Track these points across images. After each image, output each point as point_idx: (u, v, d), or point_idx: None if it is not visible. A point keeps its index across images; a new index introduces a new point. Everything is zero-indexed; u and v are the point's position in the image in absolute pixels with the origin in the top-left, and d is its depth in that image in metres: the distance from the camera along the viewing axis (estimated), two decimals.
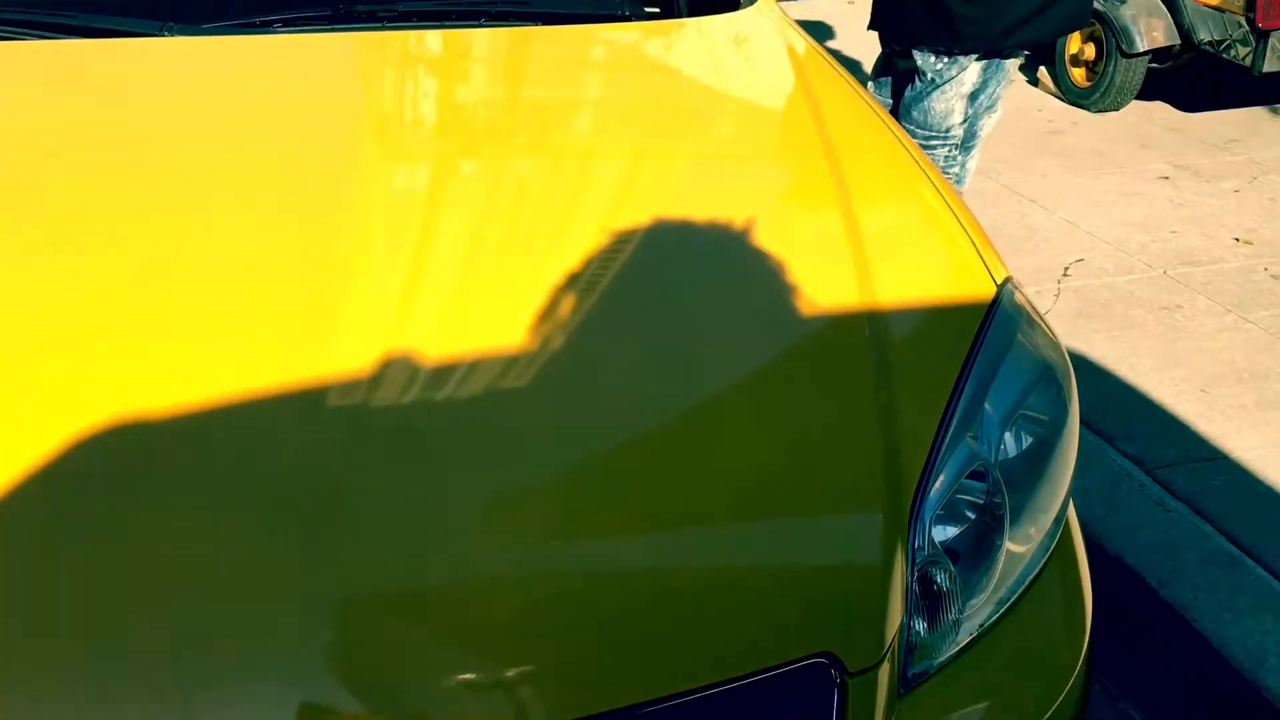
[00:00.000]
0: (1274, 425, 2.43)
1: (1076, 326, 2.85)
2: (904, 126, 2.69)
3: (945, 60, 2.66)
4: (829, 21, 5.41)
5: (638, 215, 1.47)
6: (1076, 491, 2.23)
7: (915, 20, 2.64)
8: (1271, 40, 3.83)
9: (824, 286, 1.39)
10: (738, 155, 1.69)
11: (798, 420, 1.25)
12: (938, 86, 2.70)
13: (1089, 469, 2.31)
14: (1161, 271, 3.11)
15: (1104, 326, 2.84)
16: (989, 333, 1.38)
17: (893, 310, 1.37)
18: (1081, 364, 2.70)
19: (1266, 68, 3.89)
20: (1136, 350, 2.73)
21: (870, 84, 2.98)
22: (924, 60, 2.69)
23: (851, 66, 4.41)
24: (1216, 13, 3.99)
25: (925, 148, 2.65)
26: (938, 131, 2.75)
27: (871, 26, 2.80)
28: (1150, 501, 2.21)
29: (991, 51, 2.69)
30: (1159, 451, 2.36)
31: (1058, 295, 3.00)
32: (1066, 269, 3.14)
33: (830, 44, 5.04)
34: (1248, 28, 3.84)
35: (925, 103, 2.72)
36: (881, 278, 1.42)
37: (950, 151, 2.78)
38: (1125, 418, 2.47)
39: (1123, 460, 2.33)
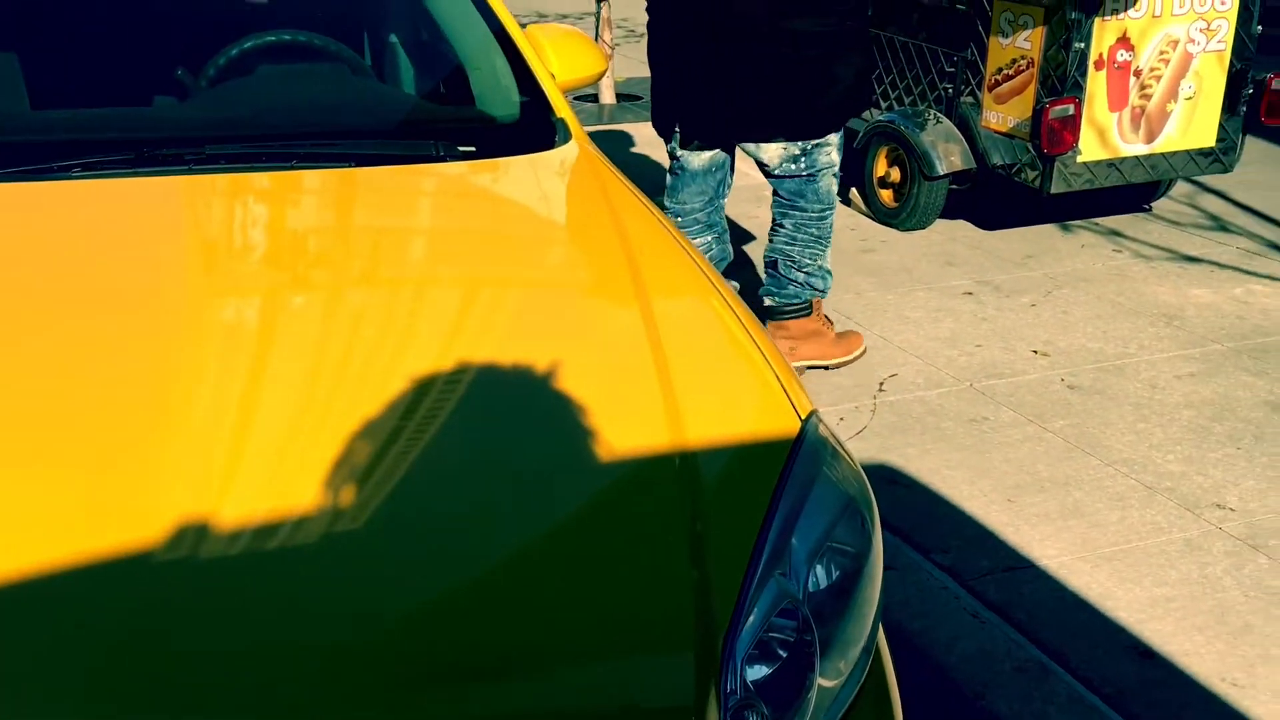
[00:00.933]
0: (1074, 532, 2.56)
1: (892, 441, 2.96)
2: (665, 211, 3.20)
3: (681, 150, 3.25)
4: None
5: (447, 358, 1.47)
6: (898, 604, 2.30)
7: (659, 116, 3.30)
8: (1057, 164, 4.14)
9: (633, 427, 1.42)
10: (548, 294, 1.72)
11: (608, 564, 1.27)
12: (677, 174, 3.28)
13: (908, 581, 2.38)
14: (969, 384, 3.27)
15: (917, 440, 2.96)
16: (794, 468, 1.43)
17: (701, 450, 1.41)
18: (898, 478, 2.80)
19: (1054, 189, 4.20)
20: (948, 462, 2.85)
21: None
22: (670, 150, 3.29)
23: None
24: (1007, 139, 4.30)
25: (681, 228, 3.08)
26: (685, 214, 3.27)
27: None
28: (965, 613, 2.29)
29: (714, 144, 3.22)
30: (972, 562, 2.45)
31: (874, 411, 3.12)
32: (881, 384, 3.28)
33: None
34: (1035, 153, 4.14)
35: (674, 187, 3.30)
36: (690, 417, 1.46)
37: (703, 231, 3.30)
38: (940, 530, 2.57)
39: (939, 573, 2.41)
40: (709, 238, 3.30)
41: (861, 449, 2.91)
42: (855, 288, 4.00)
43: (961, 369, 3.37)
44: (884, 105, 4.84)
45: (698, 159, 3.24)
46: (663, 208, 3.32)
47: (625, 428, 1.42)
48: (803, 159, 3.18)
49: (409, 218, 1.92)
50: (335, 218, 1.90)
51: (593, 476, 1.35)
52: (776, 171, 3.22)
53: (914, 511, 2.65)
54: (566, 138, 2.17)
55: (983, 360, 3.43)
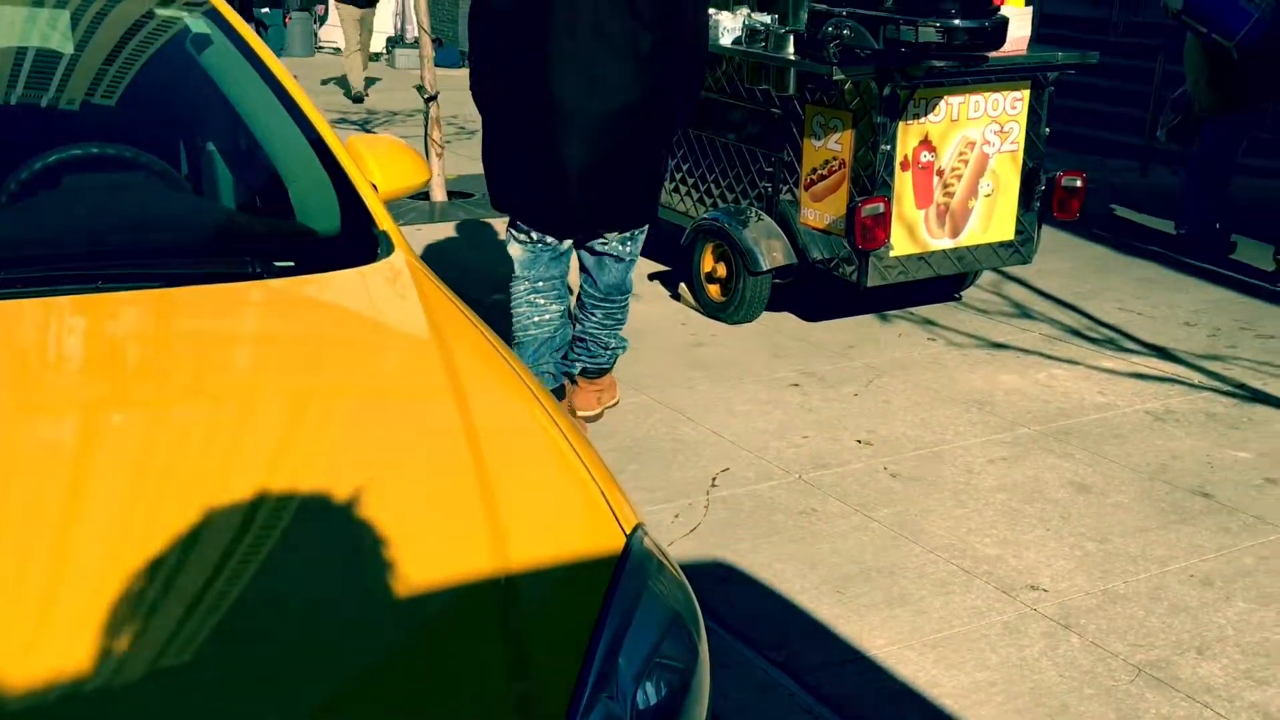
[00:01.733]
0: (901, 621, 2.63)
1: (725, 537, 3.00)
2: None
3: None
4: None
5: (256, 489, 1.43)
6: (734, 708, 2.31)
7: None
8: (872, 259, 4.34)
9: (454, 551, 1.40)
10: (365, 415, 1.69)
11: (430, 696, 1.24)
12: (536, 252, 3.40)
13: (745, 681, 2.40)
14: (798, 476, 3.36)
15: (750, 535, 3.01)
16: (620, 585, 1.43)
17: (524, 571, 1.40)
18: (732, 574, 2.84)
19: (871, 282, 4.39)
20: (780, 556, 2.91)
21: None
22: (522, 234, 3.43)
23: None
24: (825, 235, 4.48)
25: (540, 294, 3.43)
26: (545, 279, 3.43)
27: None
28: (800, 709, 2.32)
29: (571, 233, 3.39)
30: (805, 657, 2.49)
31: (707, 507, 3.16)
32: (714, 479, 3.33)
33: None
34: (851, 248, 4.33)
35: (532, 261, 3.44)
36: (513, 537, 1.45)
37: (560, 298, 3.47)
38: (773, 626, 2.60)
39: (773, 670, 2.44)
40: (563, 306, 3.48)
41: (695, 547, 2.94)
42: (687, 382, 4.07)
43: (790, 461, 3.45)
44: (709, 204, 4.99)
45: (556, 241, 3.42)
46: (505, 296, 3.46)
47: (445, 552, 1.40)
48: (629, 246, 3.41)
49: (219, 341, 1.87)
50: (140, 344, 1.84)
51: (412, 605, 1.33)
52: (609, 257, 3.40)
53: (748, 608, 2.68)
54: (389, 250, 2.16)
55: (810, 451, 3.53)
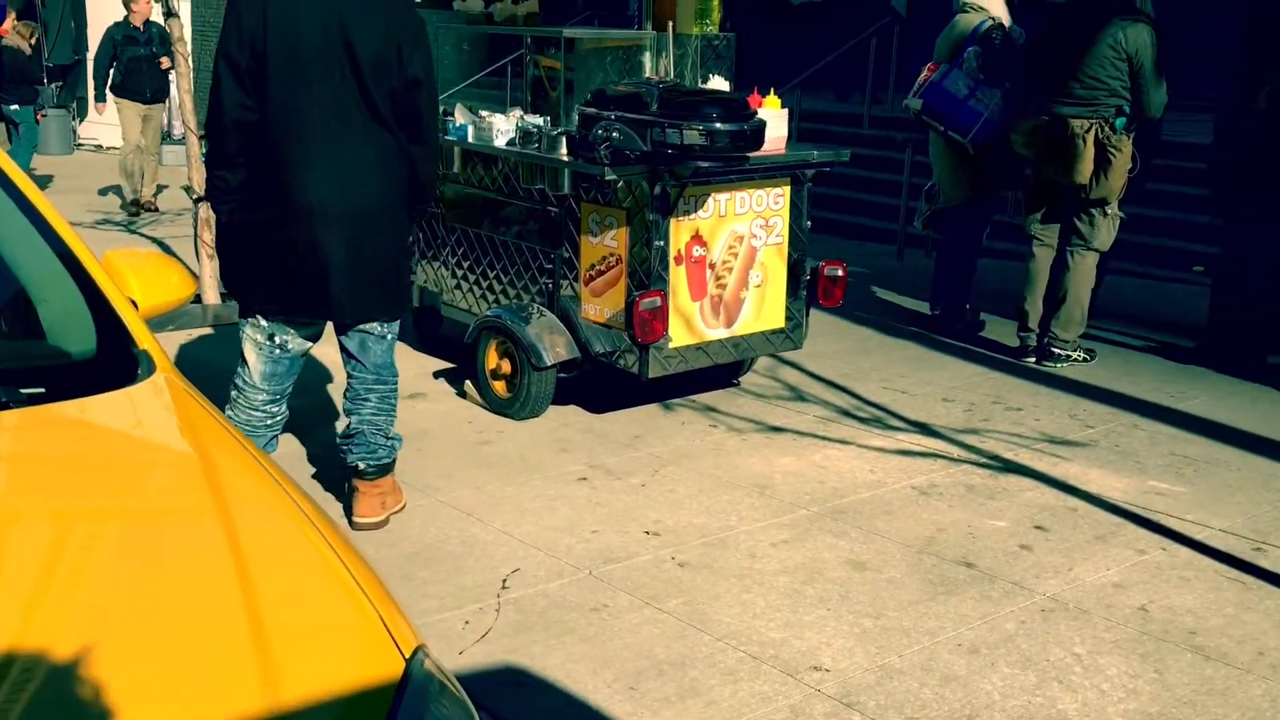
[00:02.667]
0: (693, 713, 2.67)
1: (518, 641, 2.97)
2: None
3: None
4: None
5: (7, 639, 1.34)
6: None
7: None
8: (651, 350, 4.45)
9: (222, 689, 1.35)
10: (126, 548, 1.62)
11: None
12: (277, 360, 3.52)
13: None
14: (588, 572, 3.37)
15: (542, 636, 3.00)
16: (400, 713, 1.41)
17: (298, 710, 1.35)
18: (525, 679, 2.81)
19: (652, 374, 4.50)
20: (572, 656, 2.90)
21: None
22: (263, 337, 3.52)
23: None
24: (606, 329, 4.58)
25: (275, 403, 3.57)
26: (280, 393, 3.57)
27: None
28: None
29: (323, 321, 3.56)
30: None
31: (498, 610, 3.13)
32: (505, 581, 3.30)
33: None
34: (631, 341, 4.43)
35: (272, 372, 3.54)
36: (286, 668, 1.41)
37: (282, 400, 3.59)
38: None
39: None
40: (284, 407, 3.60)
41: (488, 654, 2.91)
42: (474, 481, 4.04)
43: (580, 557, 3.47)
44: (492, 301, 5.02)
45: (297, 343, 3.51)
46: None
47: (211, 691, 1.34)
48: (388, 331, 3.55)
49: None
50: None
51: None
52: (370, 335, 3.51)
53: (542, 713, 2.66)
54: (150, 370, 2.08)
55: (600, 546, 3.55)
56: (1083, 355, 5.65)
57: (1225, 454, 4.45)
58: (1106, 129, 5.32)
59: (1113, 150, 5.33)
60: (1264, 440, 4.61)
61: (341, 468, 3.68)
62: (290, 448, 4.21)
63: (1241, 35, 6.11)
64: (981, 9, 5.79)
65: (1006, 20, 5.81)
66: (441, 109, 5.23)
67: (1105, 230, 5.55)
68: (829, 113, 12.37)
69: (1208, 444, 4.55)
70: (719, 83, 4.78)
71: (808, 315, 4.97)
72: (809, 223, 4.88)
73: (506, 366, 4.73)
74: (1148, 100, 5.31)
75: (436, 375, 5.25)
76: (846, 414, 4.88)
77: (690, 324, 4.58)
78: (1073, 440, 4.58)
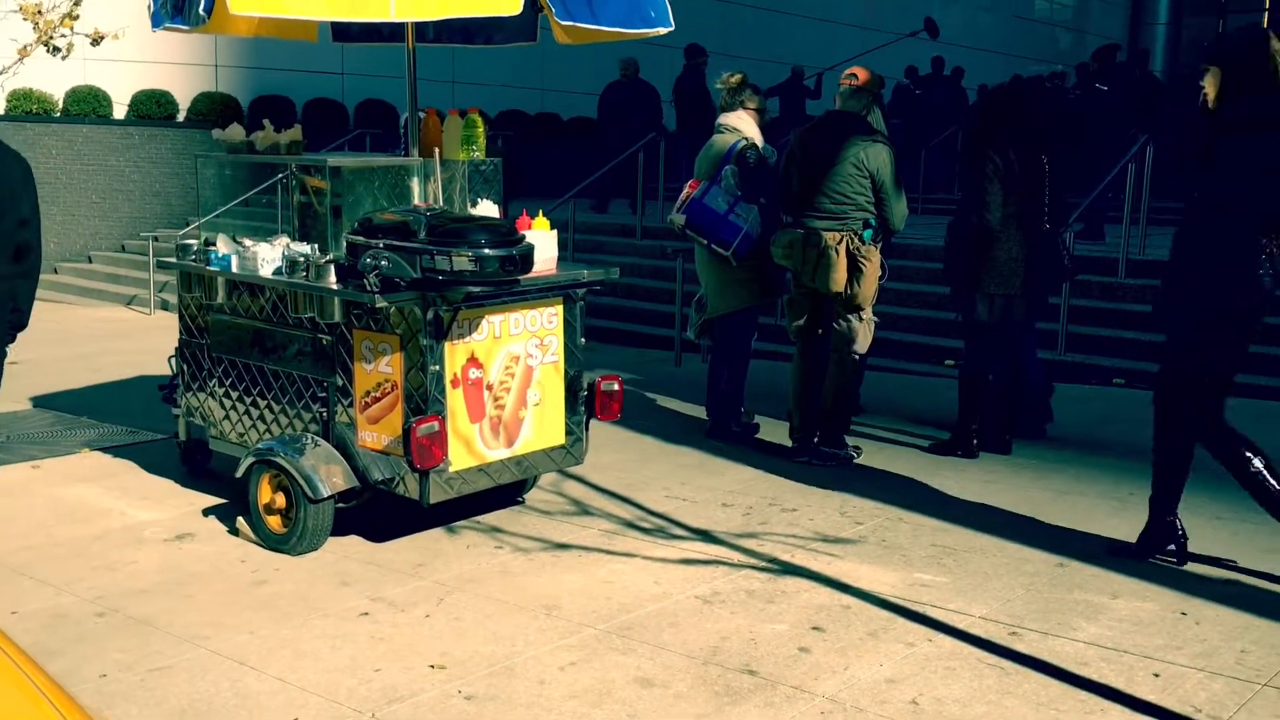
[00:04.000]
0: None
1: None
2: None
3: None
4: None
5: None
6: None
7: None
8: (432, 476, 4.41)
9: None
10: None
11: None
12: None
13: None
14: (370, 716, 3.26)
15: None
16: None
17: None
18: None
19: (433, 499, 4.45)
20: None
21: None
22: None
23: None
24: (384, 456, 4.51)
25: None
26: None
27: None
28: None
29: None
30: None
31: None
32: None
33: None
34: (410, 467, 4.38)
35: None
36: None
37: None
38: None
39: None
40: None
41: None
42: (249, 626, 3.86)
43: (363, 699, 3.35)
44: (263, 432, 4.86)
45: None
46: None
47: None
48: None
49: None
50: None
51: None
52: None
53: None
54: None
55: (383, 685, 3.45)
56: (850, 453, 5.93)
57: (982, 541, 4.74)
58: (856, 240, 5.70)
59: (863, 260, 5.70)
60: (1017, 524, 4.94)
61: None
62: None
63: (961, 146, 6.74)
64: (736, 130, 6.13)
65: (759, 141, 6.17)
66: (203, 237, 5.12)
67: (863, 333, 5.90)
68: (604, 224, 12.74)
69: (966, 532, 4.84)
70: (488, 207, 4.86)
71: (587, 429, 5.04)
72: (584, 339, 4.98)
73: (281, 500, 4.58)
74: (890, 213, 5.72)
75: (206, 513, 5.02)
76: (631, 526, 4.94)
77: (470, 446, 4.56)
78: (844, 538, 4.78)
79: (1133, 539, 4.61)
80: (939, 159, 14.91)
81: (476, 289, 4.21)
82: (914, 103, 17.43)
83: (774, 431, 6.38)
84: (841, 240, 5.70)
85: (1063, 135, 12.55)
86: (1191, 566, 4.45)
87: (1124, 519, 4.99)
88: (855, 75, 5.97)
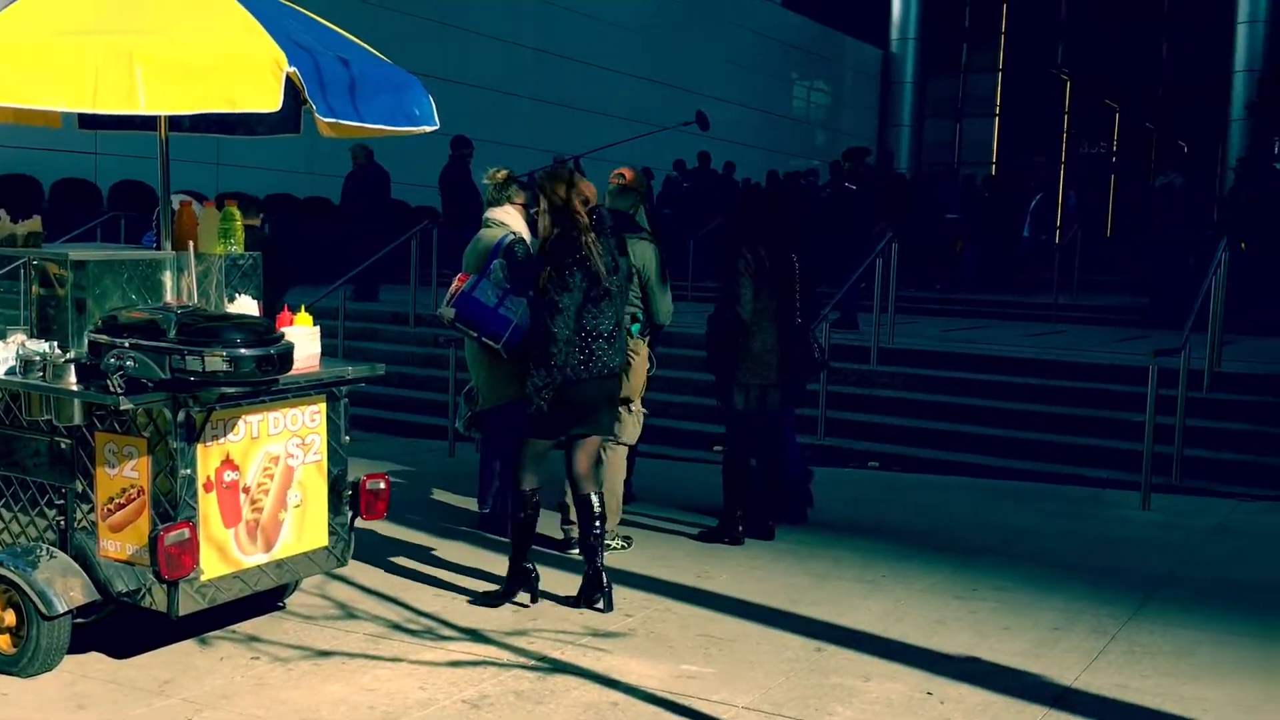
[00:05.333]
0: None
1: None
2: None
3: None
4: None
5: None
6: None
7: None
8: (181, 586, 4.17)
9: None
10: None
11: None
12: None
13: None
14: None
15: None
16: None
17: None
18: None
19: (182, 610, 4.20)
20: None
21: None
22: None
23: None
24: (129, 566, 4.24)
25: None
26: None
27: None
28: None
29: None
30: None
31: None
32: None
33: None
34: (157, 577, 4.13)
35: None
36: None
37: None
38: None
39: None
40: None
41: None
42: None
43: None
44: None
45: None
46: None
47: None
48: None
49: None
50: None
51: None
52: None
53: None
54: None
55: None
56: (621, 543, 6.00)
57: (746, 629, 4.86)
58: (624, 335, 5.82)
59: (631, 354, 5.83)
60: (779, 610, 5.10)
61: None
62: None
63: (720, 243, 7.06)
64: (504, 225, 6.19)
65: (527, 236, 6.25)
66: None
67: (632, 426, 6.01)
68: (376, 312, 12.55)
69: (731, 621, 4.96)
70: (246, 302, 4.71)
71: (352, 530, 4.90)
72: (349, 437, 4.86)
73: (11, 617, 4.23)
74: (656, 308, 5.90)
75: None
76: (398, 628, 4.81)
77: (225, 552, 4.35)
78: (614, 631, 4.80)
79: (888, 619, 4.83)
80: (708, 249, 15.52)
81: (231, 390, 4.06)
82: (683, 194, 18.13)
83: (548, 523, 6.38)
84: None
85: (814, 231, 13.32)
86: (937, 644, 4.69)
87: (876, 600, 5.24)
88: (623, 175, 6.17)
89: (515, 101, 22.31)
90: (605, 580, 5.02)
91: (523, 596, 5.09)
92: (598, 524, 5.03)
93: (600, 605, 5.01)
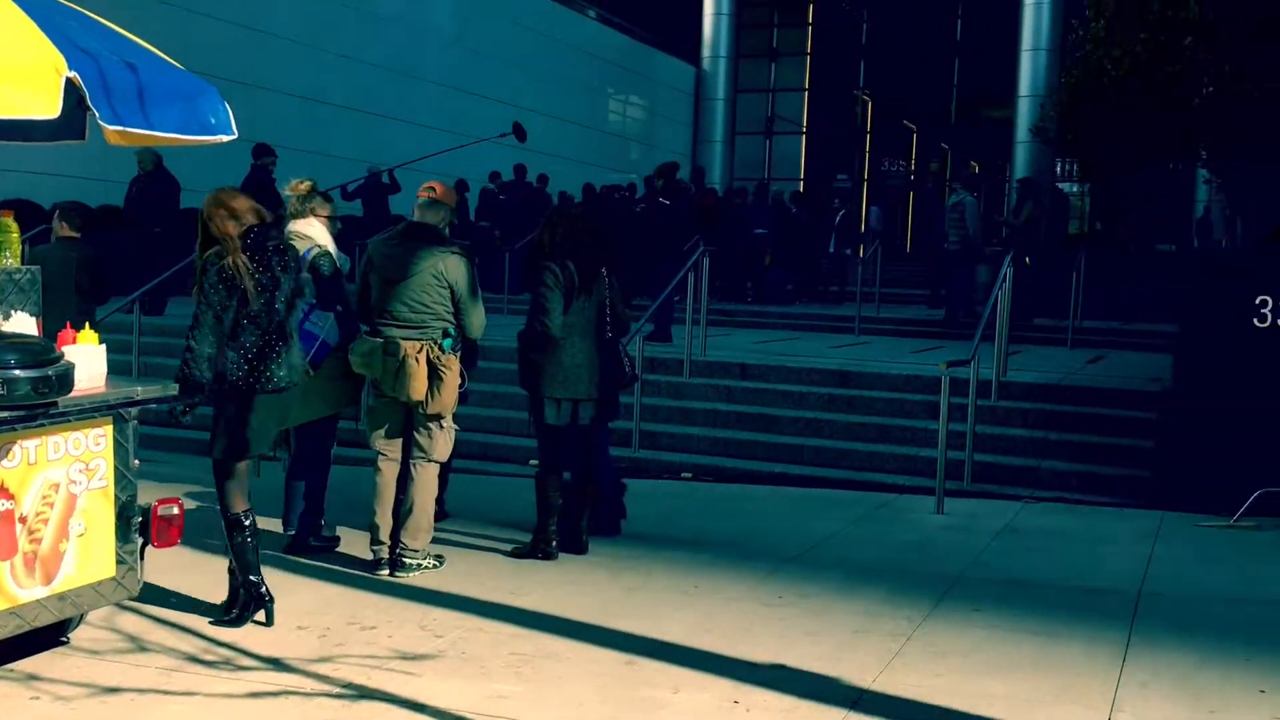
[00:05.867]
0: None
1: None
2: None
3: None
4: None
5: None
6: None
7: None
8: None
9: None
10: None
11: None
12: None
13: None
14: None
15: None
16: None
17: None
18: None
19: None
20: None
21: None
22: None
23: None
24: None
25: None
26: None
27: None
28: None
29: None
30: None
31: None
32: None
33: None
34: None
35: None
36: None
37: None
38: None
39: None
40: None
41: None
42: None
43: None
44: None
45: None
46: None
47: None
48: None
49: None
50: None
51: None
52: None
53: None
54: None
55: None
56: (433, 562, 5.90)
57: (558, 645, 4.85)
58: (435, 349, 5.74)
59: (443, 368, 5.75)
60: (591, 627, 5.11)
61: None
62: None
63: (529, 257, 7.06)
64: (308, 238, 6.02)
65: (332, 248, 6.10)
66: None
67: (443, 442, 5.92)
68: (172, 327, 11.99)
69: (543, 637, 4.94)
70: (23, 320, 4.42)
71: (143, 559, 4.65)
72: (138, 461, 4.62)
73: None
74: (468, 322, 5.84)
75: None
76: (194, 660, 4.59)
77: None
78: (423, 654, 4.72)
79: (699, 629, 4.91)
80: (523, 262, 15.50)
81: (4, 414, 3.80)
82: (499, 206, 18.04)
83: (356, 543, 6.22)
84: (421, 349, 5.73)
85: (629, 245, 13.46)
86: (745, 652, 4.79)
87: (687, 611, 5.32)
88: (433, 188, 6.08)
89: (325, 109, 21.76)
90: (260, 594, 4.98)
91: (260, 615, 4.98)
92: (247, 536, 4.99)
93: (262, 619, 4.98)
